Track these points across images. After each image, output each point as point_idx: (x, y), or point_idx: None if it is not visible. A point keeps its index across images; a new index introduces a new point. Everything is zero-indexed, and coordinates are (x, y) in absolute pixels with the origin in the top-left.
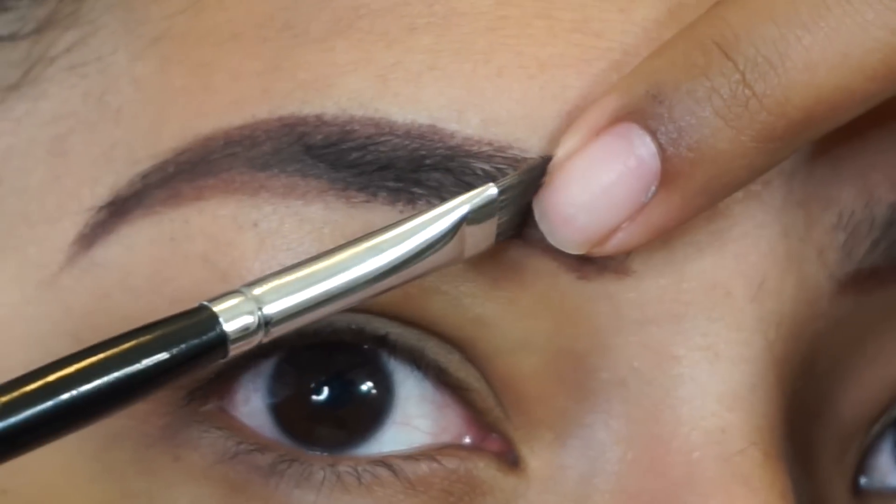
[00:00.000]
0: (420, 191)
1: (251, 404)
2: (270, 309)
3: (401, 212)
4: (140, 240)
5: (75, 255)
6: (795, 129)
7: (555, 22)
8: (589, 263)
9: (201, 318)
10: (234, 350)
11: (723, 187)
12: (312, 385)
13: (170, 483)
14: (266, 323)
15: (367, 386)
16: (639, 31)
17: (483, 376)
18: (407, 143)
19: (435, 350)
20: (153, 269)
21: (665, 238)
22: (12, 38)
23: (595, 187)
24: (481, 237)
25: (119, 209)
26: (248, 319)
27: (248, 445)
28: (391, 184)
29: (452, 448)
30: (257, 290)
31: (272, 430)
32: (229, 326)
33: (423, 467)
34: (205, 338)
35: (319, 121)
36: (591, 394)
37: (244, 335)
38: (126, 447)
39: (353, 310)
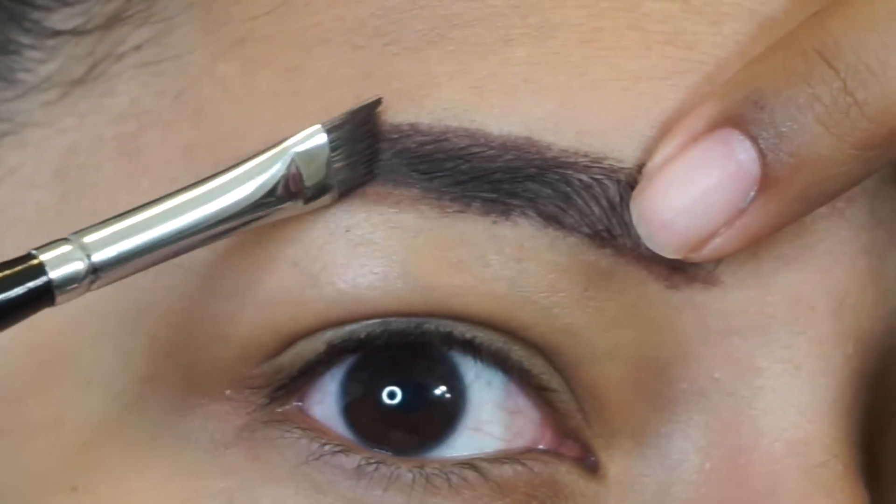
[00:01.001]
0: (515, 202)
1: (325, 406)
2: (99, 256)
3: (494, 222)
4: (225, 242)
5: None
6: (895, 137)
7: (647, 34)
8: (678, 273)
9: (27, 265)
10: (63, 298)
11: (820, 194)
12: (386, 389)
13: (250, 483)
14: (95, 270)
15: (440, 390)
16: (730, 45)
17: (566, 382)
18: (502, 154)
19: (520, 354)
20: (239, 271)
21: (752, 251)
22: (76, 32)
23: (694, 192)
24: (317, 184)
25: None
26: (77, 266)
27: (332, 447)
28: (486, 194)
29: (534, 453)
30: (86, 238)
31: (344, 430)
32: (56, 273)
33: (509, 470)
34: (31, 285)
35: (414, 130)
36: (671, 403)
37: (71, 282)
38: (202, 447)
39: (443, 316)
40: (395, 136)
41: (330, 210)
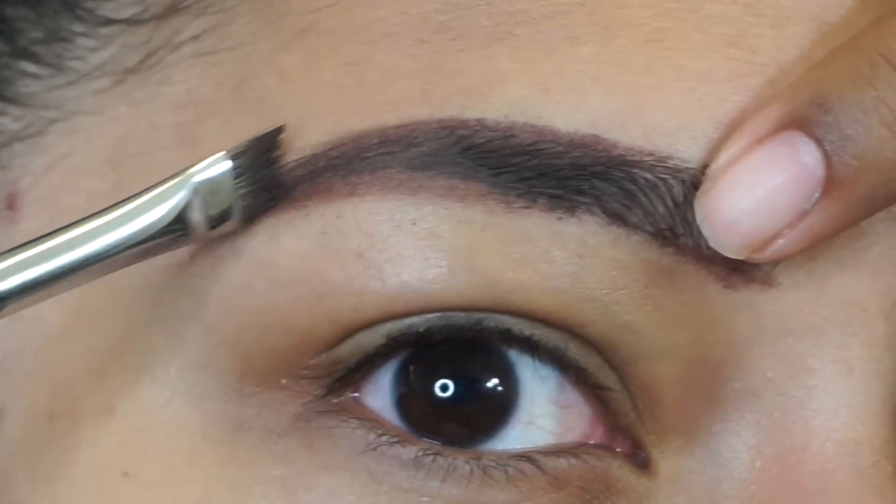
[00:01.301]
0: (581, 199)
1: (379, 397)
2: (2, 286)
3: (559, 219)
4: (285, 232)
5: (211, 242)
6: None
7: (711, 36)
8: (737, 273)
9: None
10: None
11: (884, 196)
12: (440, 381)
13: (305, 471)
14: None
15: (492, 383)
16: (791, 48)
17: (621, 380)
18: (569, 151)
19: (576, 352)
20: (300, 261)
21: (809, 253)
22: (132, 21)
23: (759, 193)
24: (221, 212)
25: None
26: None
27: (389, 437)
28: (551, 190)
29: (586, 447)
30: None
31: (398, 422)
32: None
33: (564, 463)
34: None
35: (481, 125)
36: (723, 402)
37: None
38: (255, 435)
39: (504, 311)
40: (462, 130)
41: (397, 203)
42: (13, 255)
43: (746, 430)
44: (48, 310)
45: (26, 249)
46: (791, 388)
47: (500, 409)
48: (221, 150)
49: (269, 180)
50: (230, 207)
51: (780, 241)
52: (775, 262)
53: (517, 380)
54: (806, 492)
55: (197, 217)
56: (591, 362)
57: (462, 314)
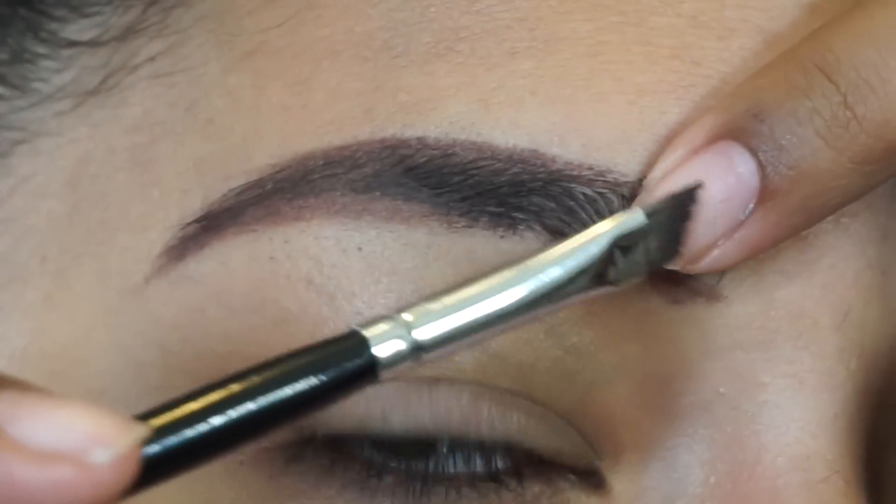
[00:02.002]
0: (521, 215)
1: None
2: (421, 334)
3: (501, 237)
4: (236, 256)
5: (163, 266)
6: (894, 151)
7: (654, 49)
8: (682, 288)
9: (352, 343)
10: (387, 376)
11: (820, 207)
12: None
13: (261, 499)
14: (418, 348)
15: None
16: (737, 61)
17: (570, 421)
18: (509, 167)
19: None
20: (252, 287)
21: (755, 266)
22: (92, 44)
23: None
24: (631, 264)
25: (212, 224)
26: (398, 345)
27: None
28: (492, 208)
29: (538, 466)
30: (407, 316)
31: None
32: (379, 351)
33: (513, 485)
34: (356, 362)
35: (422, 143)
36: (676, 417)
37: (395, 360)
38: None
39: None
40: (403, 150)
41: (342, 227)
42: (434, 300)
43: (700, 446)
44: (13, 331)
45: (443, 296)
46: (743, 402)
47: None
48: (174, 174)
49: (680, 232)
50: (639, 265)
51: (716, 252)
52: (717, 275)
53: None
54: None
55: (611, 273)
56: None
57: None
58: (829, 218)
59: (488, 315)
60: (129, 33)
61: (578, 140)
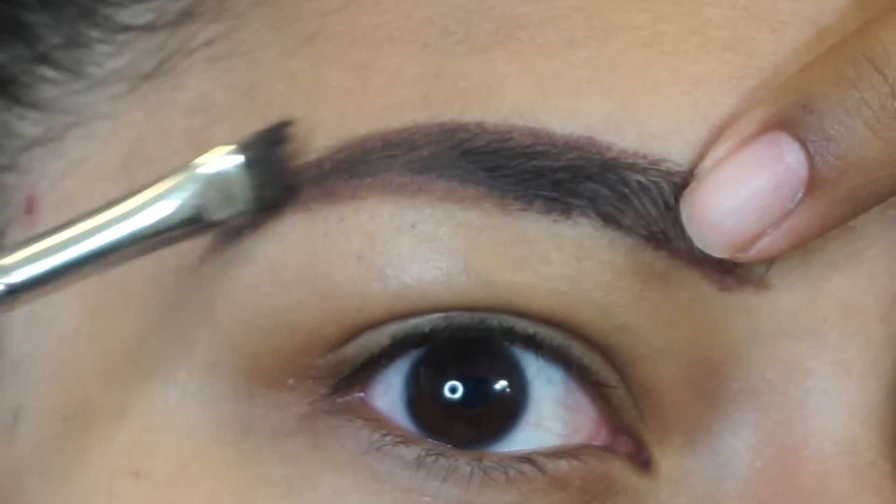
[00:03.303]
0: (576, 201)
1: (388, 397)
2: (14, 278)
3: (554, 221)
4: (291, 234)
5: (217, 246)
6: None
7: (707, 40)
8: (730, 276)
9: None
10: None
11: (867, 197)
12: (449, 383)
13: (310, 471)
14: (11, 291)
15: (501, 385)
16: (788, 52)
17: (622, 380)
18: (565, 153)
19: (580, 350)
20: (305, 263)
21: (803, 256)
22: (148, 28)
23: (743, 192)
24: (233, 201)
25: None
26: None
27: (393, 437)
28: (547, 193)
29: (588, 448)
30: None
31: (406, 423)
32: None
33: (565, 464)
34: None
35: (480, 128)
36: (723, 402)
37: None
38: (263, 435)
39: (504, 311)
40: (462, 134)
41: (397, 206)
42: (26, 247)
43: (746, 430)
44: (64, 312)
45: (38, 241)
46: (790, 388)
47: (508, 412)
48: None
49: (281, 173)
50: (241, 200)
51: (765, 241)
52: (762, 262)
53: (525, 382)
54: (804, 491)
55: (209, 210)
56: (593, 361)
57: (466, 314)
58: (876, 209)
59: (78, 258)
60: (184, 17)
61: (633, 129)
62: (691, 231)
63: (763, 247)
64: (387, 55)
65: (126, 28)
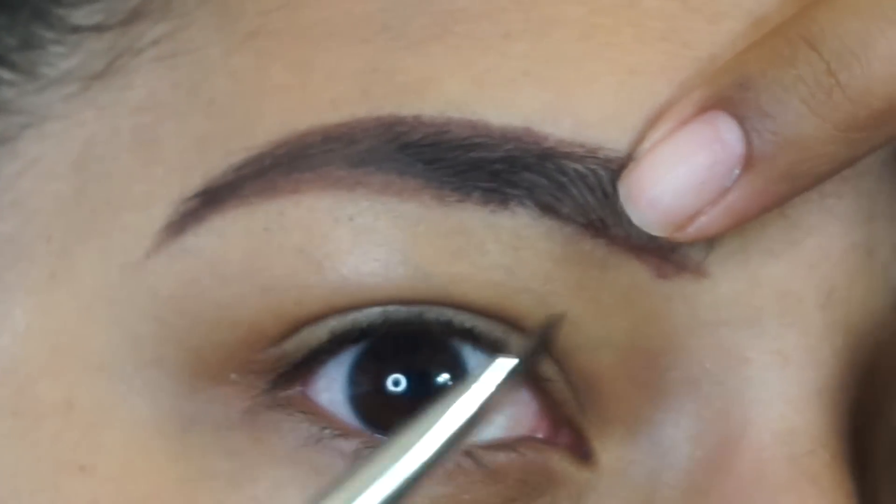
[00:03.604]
0: (514, 191)
1: (331, 392)
2: None
3: (492, 212)
4: (233, 229)
5: (164, 241)
6: (878, 119)
7: (644, 30)
8: (668, 263)
9: None
10: None
11: (805, 174)
12: (392, 376)
13: (252, 464)
14: None
15: (444, 378)
16: (725, 42)
17: (561, 371)
18: (502, 144)
19: (518, 344)
20: (245, 257)
21: (741, 244)
22: (98, 28)
23: (680, 170)
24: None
25: (211, 199)
26: None
27: (332, 431)
28: (485, 184)
29: (527, 440)
30: None
31: (350, 417)
32: None
33: (502, 457)
34: None
35: (417, 121)
36: (663, 392)
37: None
38: (206, 429)
39: (442, 303)
40: (399, 127)
41: (336, 200)
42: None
43: (687, 420)
44: (17, 310)
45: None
46: (728, 378)
47: None
48: (177, 153)
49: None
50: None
51: (703, 219)
52: (701, 243)
53: (467, 374)
54: (743, 481)
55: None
56: None
57: (403, 308)
58: (815, 199)
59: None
60: (133, 17)
61: (570, 119)
62: (629, 209)
63: (702, 225)
64: (327, 51)
65: (78, 29)
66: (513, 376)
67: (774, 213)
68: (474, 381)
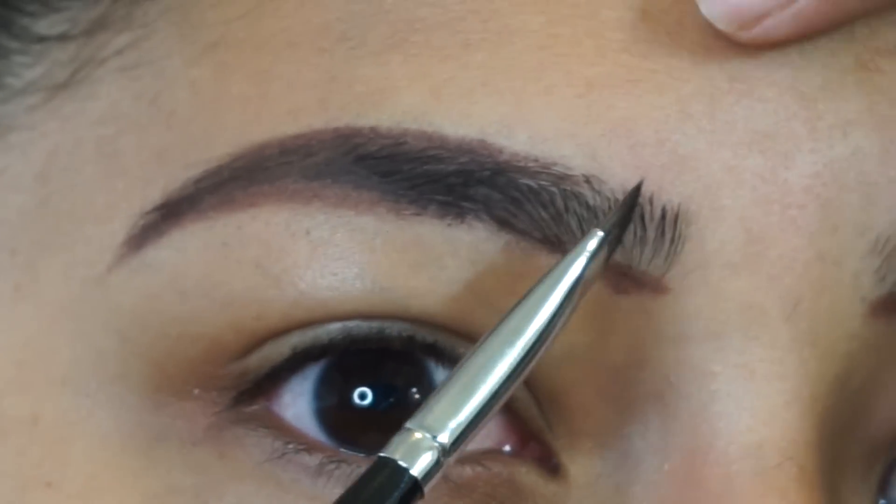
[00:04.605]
0: (468, 205)
1: (297, 406)
2: (444, 437)
3: (449, 225)
4: (192, 243)
5: (125, 255)
6: None
7: (604, 42)
8: (626, 279)
9: (391, 472)
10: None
11: None
12: (358, 389)
13: (216, 480)
14: (445, 451)
15: (411, 392)
16: (685, 54)
17: (526, 386)
18: (457, 157)
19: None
20: (204, 272)
21: (701, 260)
22: (62, 38)
23: None
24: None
25: (171, 212)
26: (428, 457)
27: (296, 445)
28: (441, 197)
29: (494, 454)
30: (427, 421)
31: (316, 432)
32: (416, 470)
33: (469, 471)
34: (402, 488)
35: (374, 133)
36: (630, 406)
37: (432, 471)
38: (171, 444)
39: (402, 318)
40: (356, 139)
41: (292, 213)
42: (439, 399)
43: (654, 434)
44: None
45: (447, 390)
46: (694, 391)
47: None
48: (137, 165)
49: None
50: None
51: (769, 22)
52: (765, 47)
53: (434, 388)
54: (711, 494)
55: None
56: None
57: (364, 323)
58: (777, 210)
59: (492, 392)
60: (96, 27)
61: (525, 132)
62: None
63: (767, 27)
64: (286, 61)
65: (42, 38)
66: (604, 245)
67: (735, 227)
68: (569, 256)
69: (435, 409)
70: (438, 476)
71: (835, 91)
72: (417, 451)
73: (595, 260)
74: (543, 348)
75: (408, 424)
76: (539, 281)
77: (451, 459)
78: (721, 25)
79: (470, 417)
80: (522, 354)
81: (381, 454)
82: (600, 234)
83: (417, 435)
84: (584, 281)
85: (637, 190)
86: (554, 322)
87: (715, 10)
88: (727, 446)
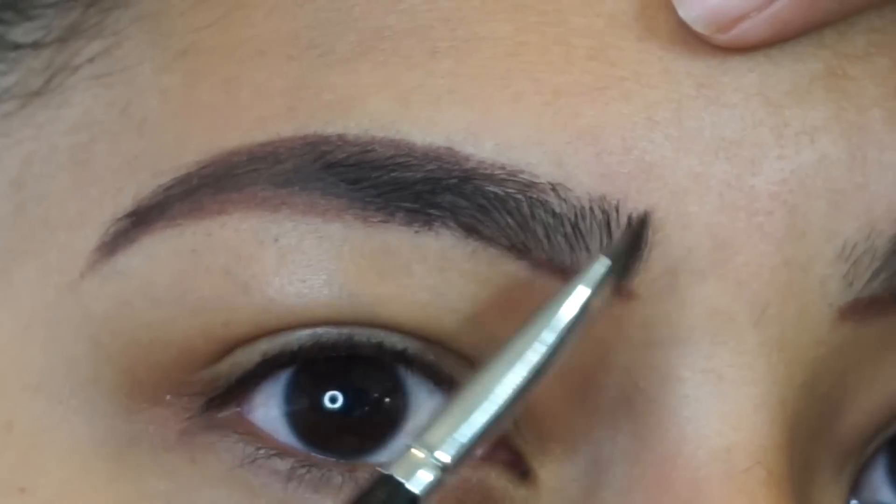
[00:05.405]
0: (436, 212)
1: (268, 411)
2: (443, 455)
3: (416, 232)
4: (162, 250)
5: (97, 262)
6: None
7: (571, 49)
8: None
9: (391, 489)
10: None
11: None
12: (328, 393)
13: (188, 485)
14: (444, 469)
15: (381, 396)
16: (654, 60)
17: None
18: (424, 164)
19: (451, 366)
20: (174, 279)
21: (667, 267)
22: (35, 45)
23: None
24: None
25: (141, 219)
26: (427, 475)
27: (267, 450)
28: (408, 204)
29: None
30: (427, 439)
31: (288, 436)
32: (416, 488)
33: None
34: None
35: (342, 140)
36: (599, 410)
37: (431, 488)
38: (144, 450)
39: (371, 324)
40: (324, 146)
41: (260, 220)
42: (443, 417)
43: (623, 438)
44: None
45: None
46: (662, 396)
47: (389, 422)
48: (110, 172)
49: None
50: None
51: (746, 24)
52: (745, 47)
53: (405, 392)
54: (680, 499)
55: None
56: (464, 376)
57: (333, 330)
58: (743, 217)
59: (496, 412)
60: (69, 34)
61: (492, 139)
62: (677, 2)
63: (744, 30)
64: (254, 69)
65: (16, 46)
66: (609, 274)
67: (702, 234)
68: (572, 284)
69: (437, 427)
70: (437, 494)
71: (802, 97)
72: (417, 469)
73: (602, 287)
74: (546, 374)
75: (409, 442)
76: (545, 305)
77: (452, 478)
78: (699, 28)
79: (471, 437)
80: (525, 379)
81: (382, 471)
82: (607, 262)
83: (418, 453)
84: (589, 310)
85: (645, 218)
86: (558, 348)
87: (693, 13)
88: (696, 451)
